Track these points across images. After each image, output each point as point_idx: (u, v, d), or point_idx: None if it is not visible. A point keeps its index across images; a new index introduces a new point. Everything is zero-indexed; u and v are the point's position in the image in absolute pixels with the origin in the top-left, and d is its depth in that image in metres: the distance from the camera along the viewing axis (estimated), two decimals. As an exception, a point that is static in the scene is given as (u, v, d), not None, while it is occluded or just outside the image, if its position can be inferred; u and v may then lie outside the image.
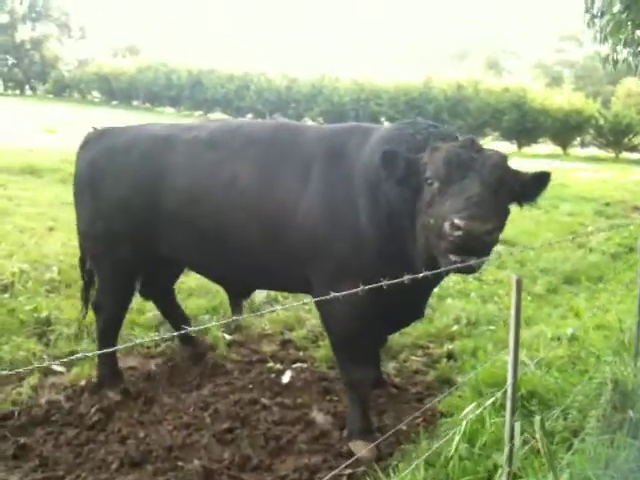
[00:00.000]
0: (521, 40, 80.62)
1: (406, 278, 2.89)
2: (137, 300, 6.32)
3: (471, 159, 3.61)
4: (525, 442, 3.83)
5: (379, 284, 2.86)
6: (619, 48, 11.99)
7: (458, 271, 3.66)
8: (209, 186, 4.54)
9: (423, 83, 40.02)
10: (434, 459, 3.75)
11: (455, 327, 6.50)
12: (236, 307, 5.44)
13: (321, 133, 4.49)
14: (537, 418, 2.78)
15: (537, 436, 2.79)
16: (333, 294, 2.66)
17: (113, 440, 4.30)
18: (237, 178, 4.45)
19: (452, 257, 3.45)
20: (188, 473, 3.91)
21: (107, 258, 4.99)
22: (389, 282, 2.89)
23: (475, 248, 3.40)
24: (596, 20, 12.31)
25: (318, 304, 4.31)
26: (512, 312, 2.66)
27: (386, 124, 4.55)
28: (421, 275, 3.00)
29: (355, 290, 2.73)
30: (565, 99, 36.97)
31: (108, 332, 5.09)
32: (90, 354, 2.28)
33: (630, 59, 12.65)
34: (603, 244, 11.16)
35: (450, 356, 5.84)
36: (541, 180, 3.91)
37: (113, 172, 4.88)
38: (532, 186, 3.88)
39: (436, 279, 4.28)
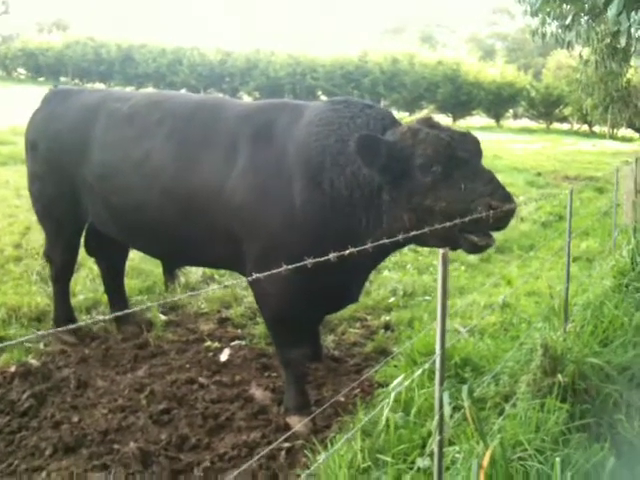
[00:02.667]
0: (455, 14, 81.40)
1: (332, 256, 2.83)
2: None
3: (454, 139, 3.74)
4: (457, 409, 3.93)
5: (303, 262, 2.78)
6: (548, 21, 12.18)
7: (472, 251, 3.97)
8: (120, 162, 4.47)
9: (359, 57, 39.98)
10: (371, 429, 3.80)
11: (392, 299, 6.58)
12: (170, 280, 5.37)
13: (247, 110, 4.40)
14: (465, 387, 2.83)
15: (465, 404, 2.83)
16: (256, 275, 2.57)
17: (46, 426, 4.19)
18: (149, 156, 4.35)
19: (474, 238, 3.68)
20: (124, 456, 3.85)
21: (46, 216, 5.32)
22: (313, 260, 2.79)
23: (504, 225, 3.73)
24: (526, -6, 12.49)
25: (251, 284, 4.28)
26: (439, 284, 2.69)
27: (316, 102, 4.45)
28: (347, 252, 2.94)
29: (279, 270, 2.62)
30: (498, 72, 37.59)
31: (60, 278, 5.47)
32: (41, 333, 2.19)
33: (559, 32, 12.87)
34: (534, 213, 11.44)
35: (387, 327, 5.90)
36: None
37: (48, 137, 5.06)
38: None
39: (374, 262, 4.33)
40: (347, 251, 2.89)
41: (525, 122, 38.23)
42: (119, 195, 4.61)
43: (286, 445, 3.97)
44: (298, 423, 4.11)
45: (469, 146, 3.74)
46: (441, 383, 2.78)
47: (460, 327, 5.56)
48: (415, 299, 6.68)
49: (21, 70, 50.86)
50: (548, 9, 11.18)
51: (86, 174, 4.77)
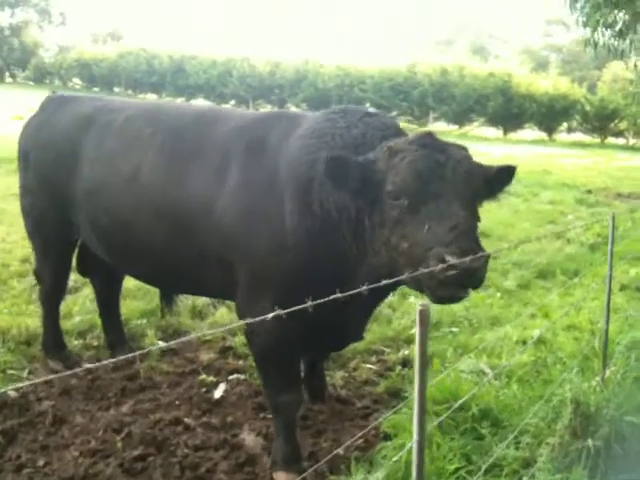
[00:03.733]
0: (508, 25, 79.94)
1: (340, 295, 2.38)
2: (64, 304, 5.82)
3: (440, 166, 3.06)
4: (470, 473, 3.36)
5: (304, 305, 2.31)
6: (599, 30, 11.45)
7: (439, 303, 3.21)
8: (108, 178, 4.07)
9: (408, 68, 39.43)
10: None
11: (414, 330, 5.96)
12: (167, 307, 4.93)
13: (242, 122, 3.93)
14: None
15: None
16: (246, 309, 2.16)
17: (8, 469, 3.77)
18: (140, 171, 3.93)
19: (440, 293, 2.97)
20: (82, 513, 3.39)
21: (36, 231, 4.94)
22: (321, 301, 2.33)
23: (469, 284, 2.94)
24: (577, 3, 11.79)
25: (240, 317, 3.79)
26: (417, 352, 2.13)
27: (315, 112, 3.94)
28: (356, 292, 2.46)
29: (274, 314, 2.22)
30: (551, 84, 36.46)
31: (50, 299, 5.08)
32: None
33: (611, 41, 12.12)
34: (582, 235, 10.64)
35: (405, 363, 5.32)
36: (506, 175, 3.41)
37: (39, 147, 4.72)
38: (496, 182, 3.37)
39: (378, 297, 3.79)
40: (331, 297, 2.39)
41: (578, 136, 36.88)
42: (107, 214, 4.23)
43: (267, 508, 3.46)
44: (285, 480, 3.60)
45: (457, 177, 3.06)
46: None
47: (486, 367, 4.94)
48: (440, 330, 6.07)
49: (76, 80, 51.94)
50: (599, 16, 10.44)
51: (76, 190, 4.40)
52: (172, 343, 2.14)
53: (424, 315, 2.05)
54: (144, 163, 3.99)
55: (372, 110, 3.62)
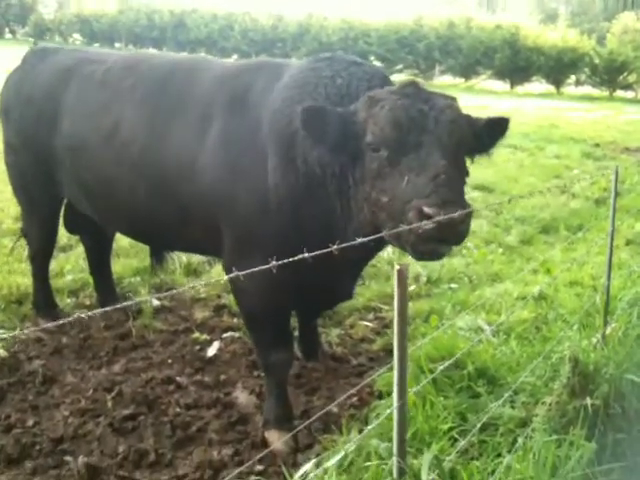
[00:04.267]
0: (517, -25, 77.85)
1: (334, 248, 2.26)
2: (57, 262, 5.74)
3: (422, 115, 2.85)
4: (464, 433, 3.28)
5: (298, 257, 2.19)
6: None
7: (419, 260, 3.13)
8: (89, 133, 3.92)
9: (414, 21, 38.66)
10: (355, 456, 3.17)
11: (413, 286, 5.87)
12: (157, 265, 4.83)
13: (224, 72, 3.75)
14: (427, 457, 2.12)
15: None
16: (234, 268, 2.08)
17: (-3, 430, 3.72)
18: (119, 126, 3.78)
19: (420, 248, 2.77)
20: (70, 472, 3.34)
21: (21, 189, 4.81)
22: (311, 254, 2.21)
23: (450, 239, 2.75)
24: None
25: (227, 274, 3.67)
26: (395, 310, 2.01)
27: (300, 60, 3.74)
28: (346, 245, 2.33)
29: (267, 266, 2.11)
30: (559, 36, 35.65)
31: (38, 257, 4.99)
32: None
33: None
34: (587, 189, 10.46)
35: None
36: (497, 128, 3.20)
37: (20, 102, 4.55)
38: (487, 135, 3.16)
39: (367, 256, 3.66)
40: (320, 251, 2.27)
41: (587, 89, 36.15)
42: (89, 170, 4.10)
43: (258, 468, 3.39)
44: (277, 440, 3.54)
45: (440, 126, 2.85)
46: (400, 453, 2.07)
47: (484, 324, 4.84)
48: (440, 287, 5.96)
49: (77, 36, 51.18)
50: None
51: (57, 146, 4.26)
52: (159, 295, 2.02)
53: (402, 275, 1.92)
54: (124, 117, 3.84)
55: (359, 59, 3.42)
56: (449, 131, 2.86)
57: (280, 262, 2.08)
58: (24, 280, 5.33)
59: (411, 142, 2.81)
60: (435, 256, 2.88)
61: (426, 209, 2.60)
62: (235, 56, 41.33)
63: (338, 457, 2.86)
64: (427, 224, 2.58)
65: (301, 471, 2.80)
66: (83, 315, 1.79)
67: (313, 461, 2.71)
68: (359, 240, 2.40)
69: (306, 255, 2.17)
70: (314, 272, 3.18)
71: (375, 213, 2.94)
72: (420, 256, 2.88)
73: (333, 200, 3.19)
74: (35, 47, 4.90)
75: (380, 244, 3.28)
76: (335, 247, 2.24)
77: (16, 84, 4.61)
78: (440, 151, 2.80)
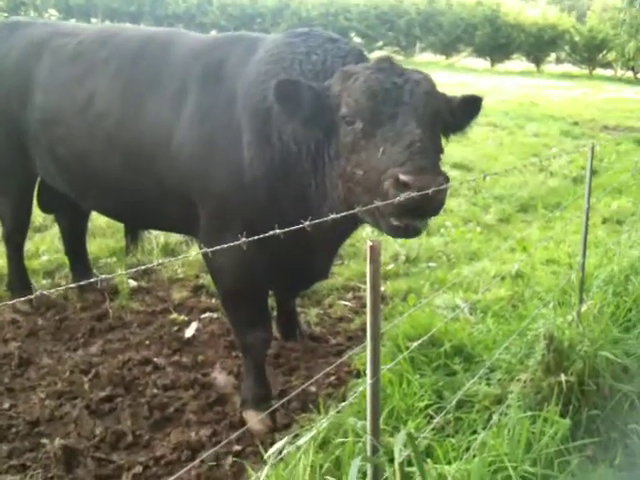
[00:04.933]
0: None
1: (306, 224, 2.21)
2: (32, 242, 5.67)
3: (397, 87, 2.83)
4: (441, 409, 3.31)
5: (270, 233, 2.15)
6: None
7: (394, 236, 3.04)
8: (62, 107, 3.87)
9: (394, -4, 38.42)
10: (332, 435, 3.19)
11: (391, 265, 5.89)
12: (132, 244, 4.77)
13: (199, 45, 3.69)
14: (401, 434, 2.13)
15: (395, 464, 2.07)
16: (210, 248, 2.03)
17: (-28, 413, 3.69)
18: (93, 99, 3.72)
19: (395, 223, 2.71)
20: (47, 455, 3.32)
21: None
22: (283, 230, 2.15)
23: (426, 209, 2.67)
24: None
25: (204, 255, 3.64)
26: (368, 288, 2.01)
27: (276, 35, 3.69)
28: (322, 220, 2.29)
29: (238, 242, 2.04)
30: (539, 14, 35.66)
31: (12, 237, 4.92)
32: None
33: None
34: (565, 167, 10.53)
35: (382, 299, 5.24)
36: (472, 106, 3.19)
37: None
38: (462, 114, 3.15)
39: (343, 234, 3.64)
40: (292, 227, 2.23)
41: (567, 67, 36.29)
42: (63, 144, 4.02)
43: (235, 448, 3.40)
44: (255, 419, 3.54)
45: (415, 98, 2.83)
46: (374, 430, 2.07)
47: (461, 302, 4.87)
48: (418, 266, 5.98)
49: (52, 11, 50.20)
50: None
51: (30, 120, 4.18)
52: (133, 270, 1.97)
53: (375, 251, 1.91)
54: (98, 90, 3.78)
55: (335, 35, 3.39)
56: (424, 102, 2.84)
57: (250, 239, 2.04)
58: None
59: (386, 113, 2.78)
60: (410, 232, 2.79)
61: (402, 177, 2.55)
62: (214, 31, 40.79)
63: (312, 434, 2.86)
64: (403, 191, 2.52)
65: (274, 447, 2.79)
66: (58, 289, 1.77)
67: (286, 438, 2.70)
68: (331, 216, 2.34)
69: (278, 231, 2.12)
70: (289, 250, 3.19)
71: (350, 189, 2.90)
72: (395, 232, 2.80)
73: (308, 177, 3.17)
74: (7, 20, 4.79)
75: (356, 222, 3.26)
76: (307, 223, 2.20)
77: None
78: (415, 121, 2.76)
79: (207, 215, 3.51)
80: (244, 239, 2.03)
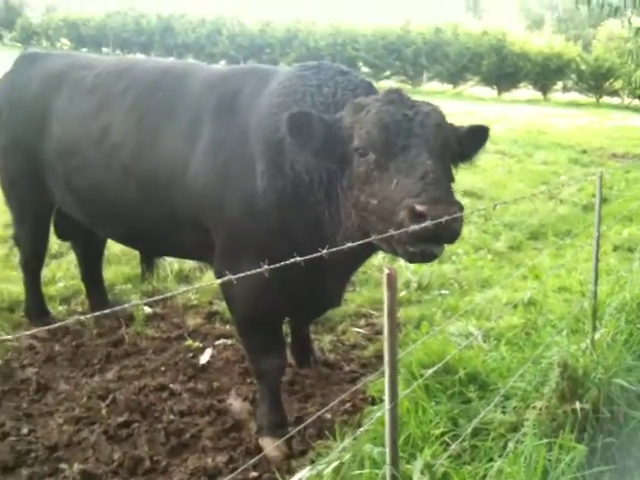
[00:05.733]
0: (504, -19, 78.16)
1: (324, 252, 2.29)
2: (49, 269, 5.74)
3: (408, 120, 2.92)
4: (456, 436, 3.33)
5: (291, 261, 2.21)
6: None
7: (411, 262, 3.07)
8: (79, 138, 3.97)
9: (401, 27, 38.80)
10: (350, 461, 3.21)
11: (404, 292, 5.92)
12: (147, 271, 4.84)
13: (213, 77, 3.80)
14: (418, 463, 2.16)
15: None
16: (224, 274, 2.09)
17: (-9, 437, 3.73)
18: (109, 131, 3.82)
19: (411, 249, 2.77)
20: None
21: (11, 194, 4.82)
22: (303, 258, 2.24)
23: (443, 237, 2.76)
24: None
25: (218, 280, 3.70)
26: (385, 316, 2.05)
27: (288, 67, 3.78)
28: (336, 250, 2.36)
29: (259, 270, 2.11)
30: (545, 43, 35.92)
31: (29, 264, 5.02)
32: None
33: (608, -1, 11.85)
34: (575, 195, 10.57)
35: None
36: (478, 136, 3.27)
37: (10, 106, 4.57)
38: (469, 143, 3.24)
39: (356, 262, 3.71)
40: (311, 255, 2.30)
41: (574, 95, 36.45)
42: (79, 175, 4.13)
43: (252, 475, 3.43)
44: (271, 446, 3.56)
45: (426, 130, 2.91)
46: (393, 456, 2.12)
47: (474, 330, 4.89)
48: (430, 293, 6.02)
49: (64, 40, 50.99)
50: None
51: (47, 151, 4.29)
52: (150, 301, 2.02)
53: (392, 279, 1.96)
54: (114, 122, 3.88)
55: (345, 68, 3.48)
56: (435, 134, 2.92)
57: (272, 266, 2.10)
58: (15, 288, 5.34)
59: (398, 145, 2.85)
60: (427, 257, 2.84)
61: (418, 207, 2.62)
62: (223, 61, 41.33)
63: (334, 464, 2.88)
64: (422, 223, 2.59)
65: (296, 477, 2.82)
66: (77, 318, 1.83)
67: (308, 468, 2.72)
68: (347, 245, 2.41)
69: (298, 259, 2.19)
70: (303, 278, 3.23)
71: (364, 218, 2.97)
72: (412, 258, 2.85)
73: (322, 206, 3.24)
74: (26, 52, 4.93)
75: (370, 250, 3.32)
76: (325, 251, 2.27)
77: (7, 88, 4.64)
78: (427, 152, 2.84)
79: (221, 242, 3.58)
80: (266, 266, 2.08)
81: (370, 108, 2.97)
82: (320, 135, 3.00)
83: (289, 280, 3.23)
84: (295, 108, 3.18)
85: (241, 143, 3.43)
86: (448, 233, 2.73)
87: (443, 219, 2.59)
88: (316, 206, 3.26)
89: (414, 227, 2.62)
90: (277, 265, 2.14)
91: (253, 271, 2.10)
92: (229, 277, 2.01)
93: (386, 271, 1.96)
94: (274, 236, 3.34)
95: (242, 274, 2.07)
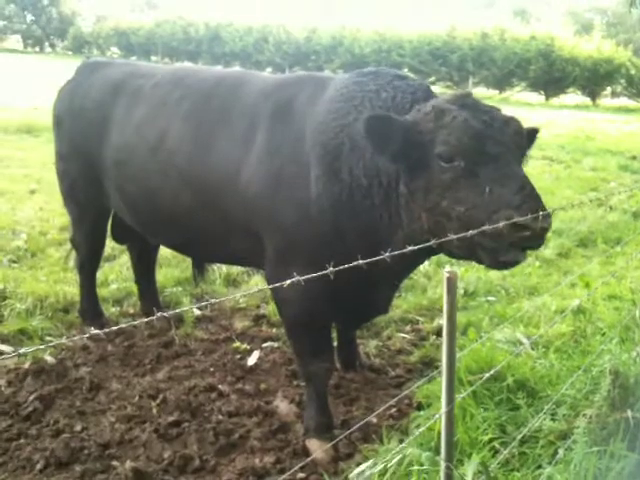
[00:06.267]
0: (552, -15, 77.12)
1: (386, 256, 2.33)
2: (102, 271, 5.89)
3: (493, 128, 2.98)
4: (505, 444, 3.31)
5: (354, 264, 2.23)
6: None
7: (494, 268, 3.26)
8: (136, 145, 4.07)
9: (447, 32, 38.66)
10: (396, 465, 3.22)
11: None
12: (199, 276, 4.94)
13: (268, 85, 3.85)
14: (474, 463, 2.17)
15: None
16: (275, 279, 2.12)
17: (46, 434, 3.82)
18: (166, 138, 3.91)
19: (502, 258, 2.92)
20: (118, 477, 3.44)
21: (70, 198, 4.97)
22: (365, 261, 2.27)
23: (535, 245, 2.94)
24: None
25: (269, 284, 3.74)
26: (445, 321, 2.07)
27: (344, 74, 3.81)
28: (362, 262, 2.37)
29: (322, 273, 2.16)
30: (594, 47, 35.33)
31: (85, 266, 5.13)
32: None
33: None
34: (625, 202, 10.35)
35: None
36: (530, 138, 3.31)
37: (72, 113, 4.72)
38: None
39: (409, 268, 3.74)
40: (374, 258, 2.33)
41: (623, 101, 35.77)
42: (134, 182, 4.24)
43: (300, 476, 3.46)
44: (318, 448, 3.60)
45: (507, 137, 2.98)
46: (448, 458, 2.13)
47: (523, 337, 4.84)
48: (477, 299, 5.98)
49: (114, 49, 52.22)
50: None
51: (105, 158, 4.42)
52: (200, 305, 2.05)
53: (451, 282, 1.98)
54: (171, 130, 3.97)
55: (402, 73, 3.51)
56: (518, 142, 3.04)
57: (336, 269, 2.12)
58: (70, 289, 5.50)
59: (488, 153, 2.91)
60: (512, 264, 3.00)
61: (521, 220, 2.72)
62: (269, 69, 41.76)
63: (380, 467, 2.90)
64: (520, 232, 2.76)
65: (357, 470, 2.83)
66: (131, 323, 1.90)
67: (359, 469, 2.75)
68: (410, 248, 2.46)
69: (360, 262, 2.23)
70: (354, 283, 3.27)
71: (439, 222, 3.01)
72: (499, 265, 3.02)
73: (379, 210, 3.27)
74: (88, 60, 5.10)
75: (424, 256, 3.36)
76: (387, 254, 2.31)
77: (68, 95, 4.79)
78: (515, 162, 2.96)
79: (273, 248, 3.62)
80: (331, 269, 2.11)
81: (456, 115, 2.99)
82: (399, 138, 3.02)
83: (340, 286, 3.25)
84: (353, 114, 3.24)
85: (296, 149, 3.48)
86: (540, 242, 2.90)
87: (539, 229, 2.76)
88: (372, 210, 3.29)
89: (511, 234, 2.77)
90: (340, 268, 2.16)
91: (315, 274, 2.14)
92: (291, 280, 2.03)
93: (446, 275, 1.98)
94: (326, 241, 3.38)
95: (298, 278, 2.08)
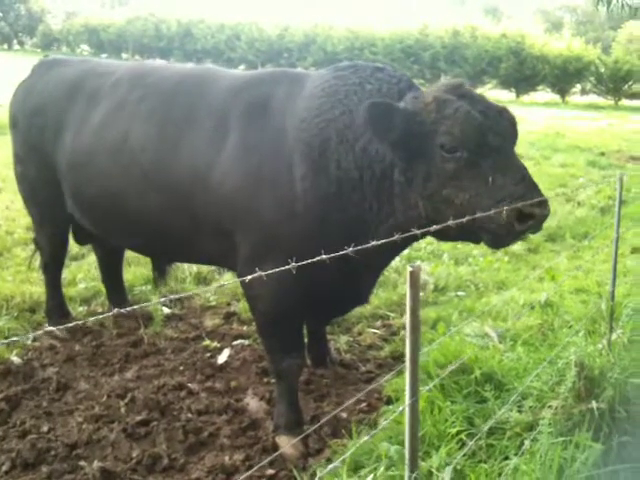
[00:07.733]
0: (522, -16, 77.81)
1: (350, 250, 2.37)
2: (69, 270, 5.83)
3: (493, 120, 3.13)
4: (471, 435, 3.34)
5: (317, 259, 2.29)
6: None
7: (495, 246, 3.43)
8: (95, 147, 3.97)
9: (419, 30, 38.75)
10: (365, 459, 3.24)
11: (420, 294, 5.91)
12: (159, 277, 4.88)
13: (237, 82, 3.80)
14: (448, 468, 2.18)
15: None
16: (254, 273, 2.10)
17: (12, 435, 3.79)
18: (128, 139, 3.83)
19: (507, 240, 3.23)
20: (85, 478, 3.40)
21: (30, 201, 4.86)
22: (355, 249, 2.36)
23: (537, 230, 3.18)
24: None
25: (242, 283, 3.71)
26: (407, 314, 2.07)
27: (320, 70, 3.80)
28: (348, 251, 2.39)
29: (287, 267, 2.16)
30: (564, 45, 35.70)
31: (50, 267, 5.04)
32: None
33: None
34: (593, 197, 10.51)
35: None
36: None
37: (26, 113, 4.57)
38: None
39: (392, 255, 3.77)
40: (346, 250, 2.36)
41: (592, 98, 36.21)
42: (94, 185, 4.11)
43: (269, 472, 3.46)
44: (287, 444, 3.59)
45: (504, 128, 3.13)
46: (413, 451, 2.13)
47: (491, 330, 4.89)
48: (447, 294, 6.03)
49: (84, 46, 51.48)
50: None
51: (60, 160, 4.31)
52: (168, 299, 2.00)
53: (414, 276, 1.99)
54: (133, 130, 3.87)
55: (379, 65, 3.52)
56: (515, 133, 3.21)
57: (300, 263, 2.14)
58: (36, 289, 5.43)
59: (489, 144, 3.04)
60: (513, 243, 3.32)
61: (527, 209, 2.95)
62: (242, 66, 41.54)
63: (348, 454, 2.90)
64: (526, 221, 3.01)
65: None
66: (97, 317, 1.87)
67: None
68: (416, 231, 2.70)
69: (349, 250, 2.34)
70: (331, 276, 3.28)
71: (438, 209, 3.12)
72: (501, 246, 3.34)
73: (369, 201, 3.30)
74: (44, 58, 4.97)
75: (407, 243, 3.49)
76: (375, 242, 2.40)
77: (24, 95, 4.67)
78: (513, 152, 3.14)
79: (250, 245, 3.57)
80: (293, 264, 2.12)
81: (457, 106, 3.08)
82: (400, 126, 3.07)
83: (316, 280, 3.25)
84: (339, 108, 3.28)
85: (275, 146, 3.45)
86: (540, 228, 3.16)
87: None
88: (362, 202, 3.32)
89: (521, 224, 3.01)
90: (303, 263, 2.18)
91: (285, 267, 2.15)
92: (259, 274, 2.02)
93: (409, 269, 1.99)
94: (307, 236, 3.37)
95: (273, 271, 2.10)
